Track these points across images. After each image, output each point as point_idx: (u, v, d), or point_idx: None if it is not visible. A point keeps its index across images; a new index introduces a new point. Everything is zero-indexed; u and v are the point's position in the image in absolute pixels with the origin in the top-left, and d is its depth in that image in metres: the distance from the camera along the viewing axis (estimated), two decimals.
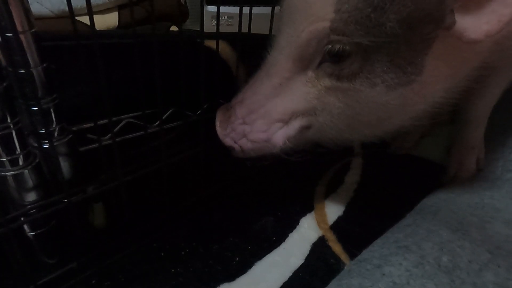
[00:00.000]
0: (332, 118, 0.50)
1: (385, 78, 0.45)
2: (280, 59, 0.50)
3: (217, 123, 0.56)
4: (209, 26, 1.20)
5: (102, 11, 0.99)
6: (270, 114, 0.52)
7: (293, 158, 0.56)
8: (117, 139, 0.55)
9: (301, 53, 0.47)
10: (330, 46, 0.45)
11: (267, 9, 0.64)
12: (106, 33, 0.84)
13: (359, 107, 0.48)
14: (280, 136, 0.53)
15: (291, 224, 0.65)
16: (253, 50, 0.55)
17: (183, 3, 1.27)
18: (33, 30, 0.43)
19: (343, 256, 0.59)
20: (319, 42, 0.45)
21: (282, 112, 0.51)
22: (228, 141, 0.55)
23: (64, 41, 0.59)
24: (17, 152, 0.46)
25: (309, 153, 0.60)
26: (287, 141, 0.53)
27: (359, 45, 0.43)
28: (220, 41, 0.63)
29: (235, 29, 0.61)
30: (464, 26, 0.41)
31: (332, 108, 0.49)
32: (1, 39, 0.41)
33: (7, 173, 0.46)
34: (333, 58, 0.46)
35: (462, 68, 0.50)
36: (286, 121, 0.52)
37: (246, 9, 0.59)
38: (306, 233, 0.63)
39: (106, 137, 0.54)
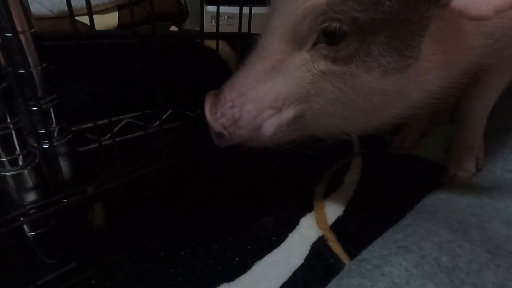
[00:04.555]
0: (326, 105, 0.48)
1: (381, 61, 0.44)
2: (273, 40, 0.47)
3: (206, 108, 0.52)
4: (209, 26, 1.20)
5: (102, 11, 0.99)
6: (261, 99, 0.49)
7: (282, 150, 0.54)
8: (117, 139, 0.55)
9: (296, 31, 0.45)
10: (326, 25, 0.43)
11: (267, 9, 0.64)
12: (106, 33, 0.84)
13: (354, 93, 0.46)
14: (271, 124, 0.50)
15: (291, 224, 0.65)
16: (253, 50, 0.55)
17: (183, 3, 1.27)
18: (32, 30, 0.43)
19: (343, 256, 0.59)
20: (314, 19, 0.43)
21: (274, 97, 0.48)
22: (217, 126, 0.51)
23: (64, 41, 0.59)
24: (16, 152, 0.46)
25: (304, 147, 0.59)
26: (278, 131, 0.50)
27: (356, 25, 0.42)
28: (220, 41, 0.63)
29: (235, 29, 0.61)
30: (465, 3, 0.38)
31: (327, 94, 0.47)
32: (1, 39, 0.41)
33: (7, 173, 0.46)
34: (328, 38, 0.44)
35: (458, 58, 0.49)
36: (278, 108, 0.49)
37: (246, 9, 0.59)
38: (306, 233, 0.63)
39: (106, 137, 0.54)
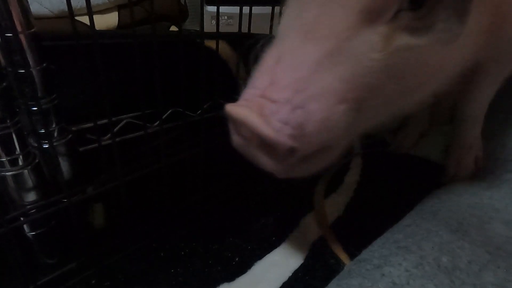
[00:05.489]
0: (393, 87, 0.39)
1: (446, 27, 0.37)
2: (334, 13, 0.36)
3: (251, 121, 0.36)
4: (209, 26, 1.20)
5: (102, 11, 0.99)
6: (329, 93, 0.37)
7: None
8: (117, 139, 0.55)
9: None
10: None
11: (267, 9, 0.64)
12: (106, 33, 0.84)
13: (418, 66, 0.39)
14: (345, 124, 0.38)
15: (291, 224, 0.65)
16: (253, 50, 0.54)
17: (183, 3, 1.27)
18: (32, 30, 0.43)
19: (343, 256, 0.59)
20: None
21: (344, 89, 0.37)
22: (286, 140, 0.36)
23: (64, 41, 0.58)
24: (16, 152, 0.46)
25: None
26: (353, 131, 0.40)
27: None
28: (220, 41, 0.63)
29: (235, 29, 0.61)
30: None
31: (397, 74, 0.38)
32: (1, 39, 0.41)
33: (7, 173, 0.46)
34: (412, 3, 0.36)
35: (502, 23, 0.44)
36: (349, 101, 0.37)
37: (246, 9, 0.59)
38: (306, 233, 0.63)
39: (106, 137, 0.54)
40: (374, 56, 0.37)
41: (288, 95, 0.36)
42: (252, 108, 0.37)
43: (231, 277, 0.55)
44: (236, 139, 0.41)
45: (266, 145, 0.37)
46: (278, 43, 0.39)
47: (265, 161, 0.40)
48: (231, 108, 0.38)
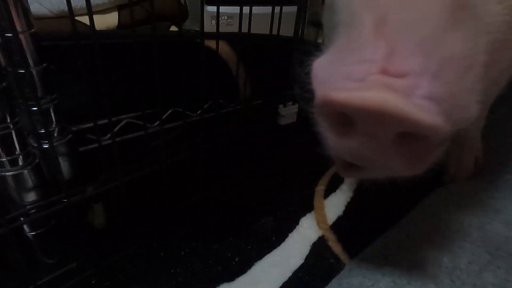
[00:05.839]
0: (507, 51, 0.33)
1: None
2: None
3: (399, 106, 0.26)
4: (209, 26, 1.20)
5: (102, 11, 0.99)
6: (458, 55, 0.29)
7: None
8: (117, 139, 0.55)
9: None
10: None
11: (267, 9, 0.64)
12: (106, 33, 0.84)
13: None
14: (476, 95, 0.31)
15: (291, 224, 0.65)
16: (253, 50, 0.55)
17: (183, 3, 1.27)
18: (32, 30, 0.43)
19: (343, 256, 0.59)
20: None
21: (471, 51, 0.29)
22: (441, 123, 0.27)
23: (64, 41, 0.59)
24: (16, 152, 0.46)
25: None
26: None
27: None
28: (220, 41, 0.63)
29: (235, 29, 0.61)
30: None
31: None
32: (1, 39, 0.41)
33: (7, 173, 0.46)
34: None
35: None
36: (475, 68, 0.30)
37: (246, 9, 0.59)
38: (306, 233, 0.63)
39: (106, 137, 0.54)
40: (494, 9, 0.30)
41: (423, 62, 0.27)
42: (384, 90, 0.26)
43: (231, 277, 0.55)
44: (342, 144, 0.31)
45: (407, 139, 0.28)
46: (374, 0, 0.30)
47: (402, 164, 0.30)
48: (347, 96, 0.27)
